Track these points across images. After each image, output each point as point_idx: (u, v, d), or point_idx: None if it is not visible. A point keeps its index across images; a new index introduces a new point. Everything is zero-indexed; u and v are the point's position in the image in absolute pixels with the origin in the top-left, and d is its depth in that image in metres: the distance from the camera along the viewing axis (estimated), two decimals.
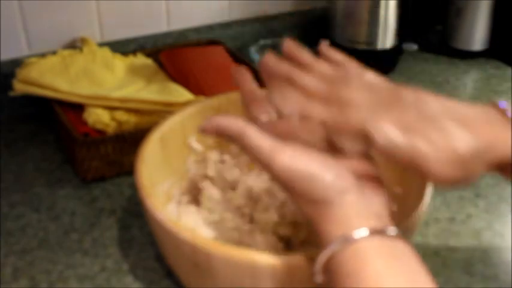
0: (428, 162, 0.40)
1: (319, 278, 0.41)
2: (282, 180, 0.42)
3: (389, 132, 0.41)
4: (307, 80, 0.46)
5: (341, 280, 0.39)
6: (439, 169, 0.40)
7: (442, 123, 0.41)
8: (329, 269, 0.40)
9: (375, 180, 0.44)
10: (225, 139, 0.45)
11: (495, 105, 0.43)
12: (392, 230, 0.40)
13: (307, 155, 0.42)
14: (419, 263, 0.40)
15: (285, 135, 0.45)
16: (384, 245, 0.39)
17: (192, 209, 0.63)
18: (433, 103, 0.43)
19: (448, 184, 0.42)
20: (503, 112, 0.43)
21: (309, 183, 0.41)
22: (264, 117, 0.47)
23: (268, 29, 1.10)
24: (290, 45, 0.50)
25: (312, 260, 0.43)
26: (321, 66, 0.48)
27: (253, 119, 0.48)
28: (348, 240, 0.39)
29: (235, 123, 0.44)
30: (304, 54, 0.49)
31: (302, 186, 0.41)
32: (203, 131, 0.46)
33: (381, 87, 0.45)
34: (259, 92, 0.49)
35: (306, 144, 0.44)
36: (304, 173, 0.41)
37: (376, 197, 0.43)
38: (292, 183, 0.42)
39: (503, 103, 0.43)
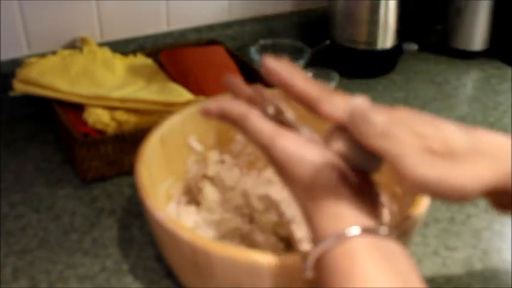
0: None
1: (309, 274, 0.41)
2: (281, 164, 0.43)
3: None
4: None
5: (331, 278, 0.39)
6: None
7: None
8: (320, 265, 0.40)
9: (368, 179, 0.44)
10: (227, 122, 0.46)
11: None
12: (384, 229, 0.40)
13: (308, 143, 0.43)
14: (411, 264, 0.39)
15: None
16: (376, 245, 0.39)
17: (192, 209, 0.63)
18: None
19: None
20: None
21: (307, 169, 0.42)
22: (269, 110, 0.47)
23: (268, 29, 1.10)
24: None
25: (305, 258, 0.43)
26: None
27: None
28: (339, 238, 0.39)
29: (238, 107, 0.45)
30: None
31: (299, 172, 0.42)
32: (205, 113, 0.46)
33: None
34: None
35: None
36: (303, 158, 0.42)
37: (370, 195, 0.43)
38: (291, 167, 0.42)
39: None
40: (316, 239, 0.41)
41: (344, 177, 0.42)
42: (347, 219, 0.40)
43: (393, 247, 0.40)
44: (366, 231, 0.39)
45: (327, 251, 0.39)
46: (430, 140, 0.39)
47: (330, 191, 0.41)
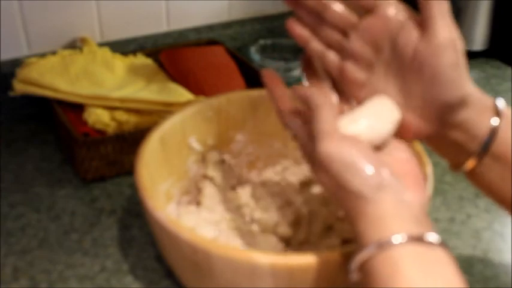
0: None
1: (354, 277, 0.41)
2: (323, 165, 0.42)
3: None
4: None
5: (373, 284, 0.39)
6: None
7: None
8: (364, 270, 0.40)
9: (417, 180, 0.44)
10: (308, 107, 0.46)
11: None
12: (430, 236, 0.39)
13: (352, 145, 0.42)
14: (456, 273, 0.39)
15: None
16: (420, 253, 0.39)
17: (192, 209, 0.63)
18: None
19: None
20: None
21: (346, 171, 0.41)
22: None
23: (268, 29, 1.10)
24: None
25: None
26: None
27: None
28: (383, 245, 0.39)
29: (319, 96, 0.45)
30: None
31: (340, 174, 0.42)
32: (296, 92, 0.47)
33: None
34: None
35: None
36: (343, 160, 0.42)
37: (416, 199, 0.42)
38: (331, 168, 0.42)
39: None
40: (360, 242, 0.41)
41: (386, 177, 0.42)
42: (391, 227, 0.40)
43: (438, 254, 0.39)
44: (411, 238, 0.39)
45: (370, 257, 0.39)
46: None
47: (369, 193, 0.41)
